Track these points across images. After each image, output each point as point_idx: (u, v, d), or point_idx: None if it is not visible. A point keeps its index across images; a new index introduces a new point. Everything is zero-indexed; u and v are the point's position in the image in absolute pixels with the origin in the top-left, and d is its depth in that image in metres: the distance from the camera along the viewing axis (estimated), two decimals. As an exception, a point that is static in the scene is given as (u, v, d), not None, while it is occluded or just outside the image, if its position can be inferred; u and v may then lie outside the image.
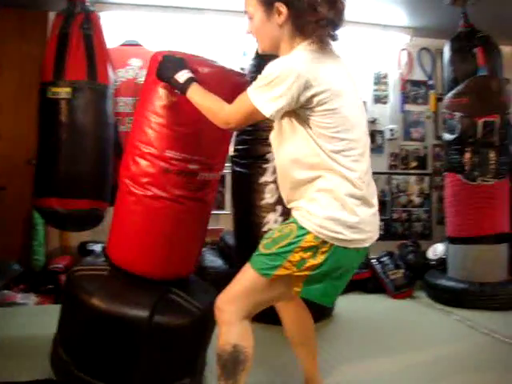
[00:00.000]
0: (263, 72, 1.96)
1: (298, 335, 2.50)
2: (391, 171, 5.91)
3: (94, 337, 2.37)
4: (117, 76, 4.86)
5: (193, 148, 2.40)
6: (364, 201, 2.02)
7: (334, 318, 4.00)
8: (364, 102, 5.70)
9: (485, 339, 3.57)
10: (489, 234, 4.41)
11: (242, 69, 4.88)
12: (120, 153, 4.78)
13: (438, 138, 5.90)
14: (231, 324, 2.04)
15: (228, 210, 5.18)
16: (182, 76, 2.17)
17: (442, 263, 4.99)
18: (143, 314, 2.31)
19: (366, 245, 2.07)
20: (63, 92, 3.53)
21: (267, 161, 3.82)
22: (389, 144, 5.90)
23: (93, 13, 3.75)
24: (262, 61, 3.83)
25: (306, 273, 1.98)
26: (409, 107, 5.99)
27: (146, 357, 2.32)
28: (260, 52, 2.20)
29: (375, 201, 2.10)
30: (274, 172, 3.76)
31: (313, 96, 1.92)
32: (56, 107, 3.55)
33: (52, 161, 3.59)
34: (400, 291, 4.73)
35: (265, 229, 3.78)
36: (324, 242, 1.96)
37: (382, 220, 6.01)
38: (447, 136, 4.68)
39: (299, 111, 1.97)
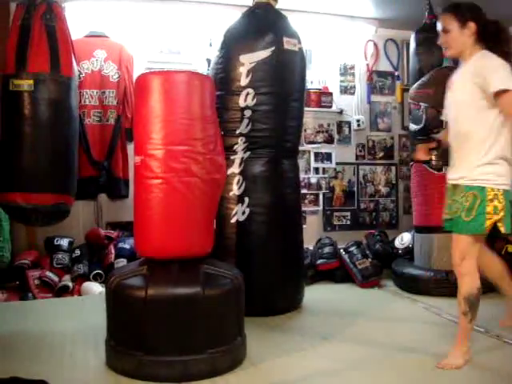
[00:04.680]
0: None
1: (495, 274, 3.12)
2: (358, 162, 5.95)
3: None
4: (82, 68, 4.80)
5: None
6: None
7: (302, 308, 4.03)
8: (331, 93, 5.74)
9: (451, 325, 3.62)
10: (454, 222, 4.47)
11: (208, 60, 4.87)
12: (86, 146, 4.77)
13: (405, 128, 5.96)
14: (467, 275, 2.83)
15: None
16: None
17: (408, 252, 5.06)
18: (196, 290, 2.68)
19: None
20: (25, 84, 3.46)
21: (235, 152, 3.82)
22: (356, 134, 5.94)
23: (55, 3, 3.68)
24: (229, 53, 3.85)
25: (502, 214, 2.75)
26: (375, 98, 6.03)
27: (203, 325, 2.67)
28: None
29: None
30: (241, 164, 3.80)
31: None
32: (18, 100, 3.49)
33: (15, 155, 3.53)
34: (368, 280, 4.78)
35: (233, 220, 3.78)
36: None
37: (349, 210, 6.07)
38: (413, 126, 4.73)
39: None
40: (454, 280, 4.27)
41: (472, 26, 2.82)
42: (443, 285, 4.36)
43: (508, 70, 2.71)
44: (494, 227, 2.82)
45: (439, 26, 2.95)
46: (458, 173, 2.85)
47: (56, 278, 4.37)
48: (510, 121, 2.73)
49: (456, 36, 2.86)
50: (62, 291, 4.32)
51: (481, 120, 2.76)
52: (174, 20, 5.20)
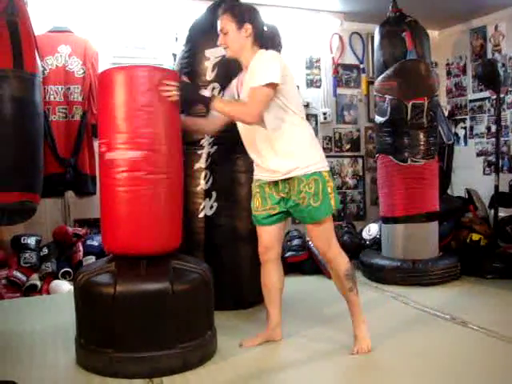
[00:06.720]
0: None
1: (279, 285, 3.34)
2: (325, 154, 5.95)
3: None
4: (46, 64, 4.74)
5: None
6: None
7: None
8: (297, 86, 5.76)
9: (417, 313, 3.70)
10: (419, 212, 4.55)
11: (174, 54, 4.85)
12: (52, 143, 4.71)
13: (371, 120, 6.02)
14: (339, 253, 3.03)
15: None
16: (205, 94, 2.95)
17: (376, 243, 5.13)
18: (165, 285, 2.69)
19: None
20: (-13, 81, 3.40)
21: (202, 147, 3.81)
22: (322, 127, 5.98)
23: (17, -2, 3.62)
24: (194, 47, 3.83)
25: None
26: (341, 91, 6.09)
27: (173, 320, 2.69)
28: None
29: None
30: (208, 158, 3.80)
31: None
32: (-20, 97, 3.42)
33: (-22, 153, 3.47)
34: (336, 272, 4.82)
35: (201, 215, 3.79)
36: None
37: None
38: (378, 118, 4.78)
39: None
40: (420, 269, 4.40)
41: (248, 27, 2.90)
42: (410, 274, 4.44)
43: (275, 64, 2.78)
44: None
45: (218, 27, 2.95)
46: (285, 167, 2.88)
47: (23, 277, 4.32)
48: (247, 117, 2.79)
49: (233, 37, 2.90)
50: (30, 290, 4.27)
51: (282, 118, 2.85)
52: (140, 14, 5.16)
